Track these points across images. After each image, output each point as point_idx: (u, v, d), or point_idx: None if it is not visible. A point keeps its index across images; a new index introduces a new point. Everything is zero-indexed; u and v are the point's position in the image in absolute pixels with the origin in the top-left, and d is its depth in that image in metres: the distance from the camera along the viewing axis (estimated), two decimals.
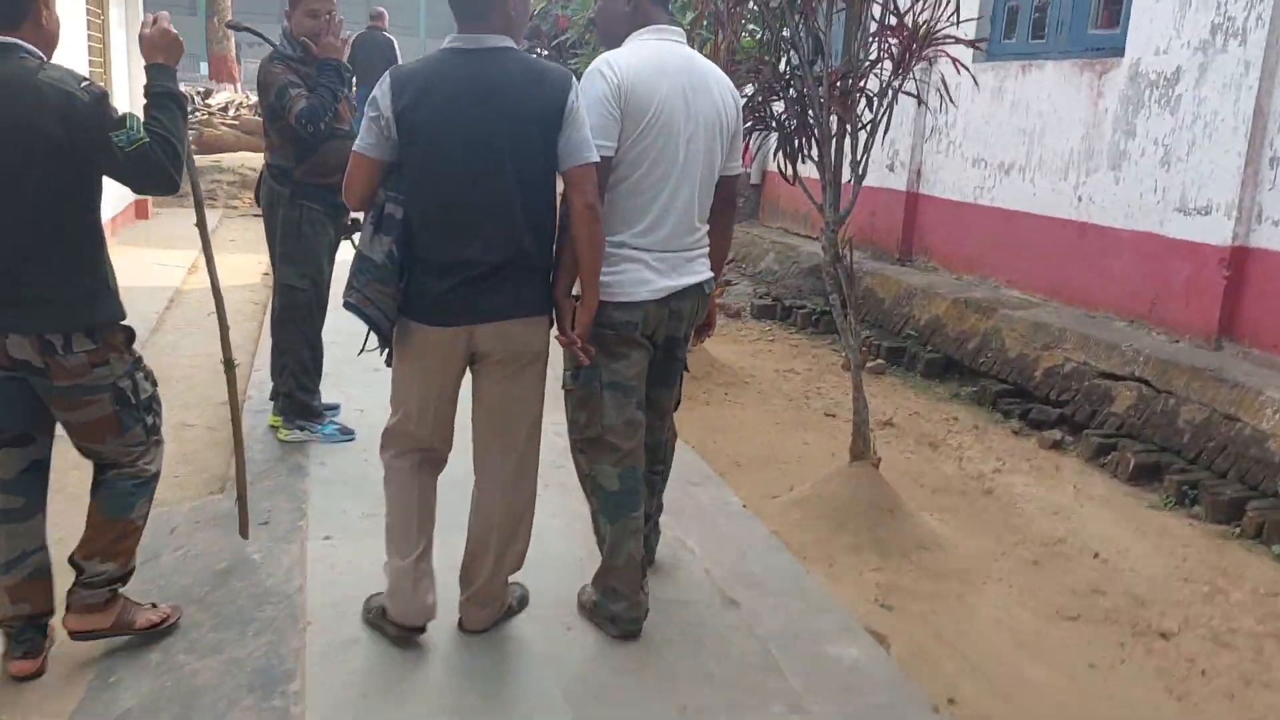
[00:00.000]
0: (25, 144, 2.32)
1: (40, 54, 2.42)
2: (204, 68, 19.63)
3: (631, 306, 2.75)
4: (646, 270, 2.76)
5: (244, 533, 3.25)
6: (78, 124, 2.33)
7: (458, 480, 2.83)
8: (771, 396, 5.92)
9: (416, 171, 2.52)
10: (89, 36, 8.69)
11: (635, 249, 2.76)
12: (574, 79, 2.58)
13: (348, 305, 2.55)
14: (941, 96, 4.32)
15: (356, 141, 2.57)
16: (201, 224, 2.95)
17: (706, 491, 4.05)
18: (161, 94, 2.50)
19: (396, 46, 12.96)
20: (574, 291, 2.69)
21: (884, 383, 6.44)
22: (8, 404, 2.50)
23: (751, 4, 4.28)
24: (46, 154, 2.34)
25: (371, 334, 2.58)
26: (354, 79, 4.26)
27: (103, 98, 2.39)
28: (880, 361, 6.79)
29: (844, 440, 4.22)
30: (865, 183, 3.96)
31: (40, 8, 2.42)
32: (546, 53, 6.57)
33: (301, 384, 4.28)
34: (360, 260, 2.55)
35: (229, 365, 3.09)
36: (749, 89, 4.30)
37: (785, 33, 3.88)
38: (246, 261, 8.26)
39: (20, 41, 2.39)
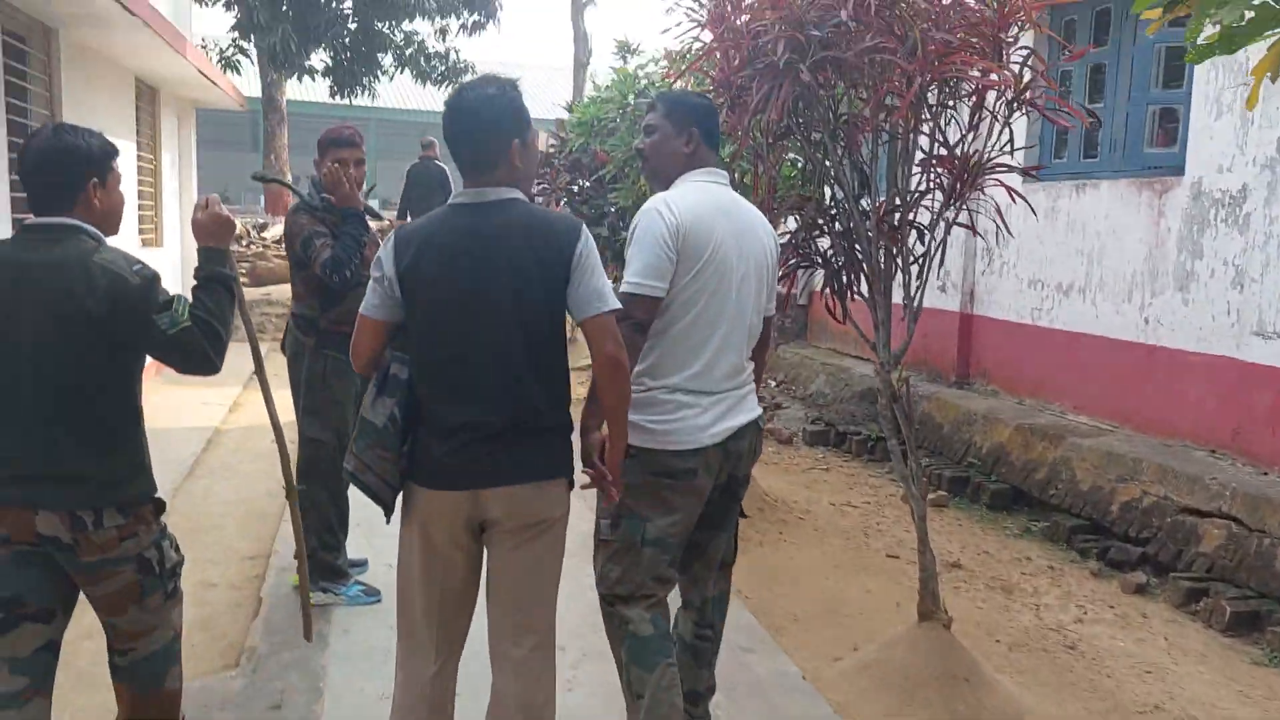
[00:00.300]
0: (68, 323, 2.34)
1: (99, 235, 2.48)
2: (261, 201, 20.23)
3: (691, 454, 2.65)
4: (703, 414, 2.68)
5: (308, 635, 3.02)
6: (124, 305, 2.36)
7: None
8: (829, 534, 5.58)
9: (418, 330, 2.42)
10: (139, 182, 8.86)
11: (690, 392, 2.67)
12: (583, 228, 2.45)
13: (345, 473, 2.45)
14: (996, 224, 4.11)
15: (362, 304, 2.48)
16: (259, 367, 2.88)
17: (762, 660, 3.71)
18: (210, 278, 2.53)
19: (450, 176, 13.18)
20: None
21: (948, 517, 6.06)
22: (34, 579, 2.39)
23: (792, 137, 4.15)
24: (89, 333, 2.35)
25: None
26: (408, 212, 4.18)
27: (153, 281, 2.42)
28: (942, 493, 6.42)
29: (909, 587, 3.88)
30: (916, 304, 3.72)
31: (90, 190, 2.46)
32: (587, 184, 6.51)
33: (325, 542, 4.07)
34: (362, 424, 2.44)
35: (290, 491, 2.92)
36: (790, 222, 4.13)
37: (827, 163, 3.71)
38: (288, 399, 8.17)
39: (79, 223, 2.44)
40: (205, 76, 9.14)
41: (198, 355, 2.42)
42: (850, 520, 5.92)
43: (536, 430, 2.40)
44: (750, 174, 4.69)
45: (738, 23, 3.61)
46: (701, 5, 3.84)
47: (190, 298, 2.48)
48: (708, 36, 3.79)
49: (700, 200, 2.70)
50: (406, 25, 15.79)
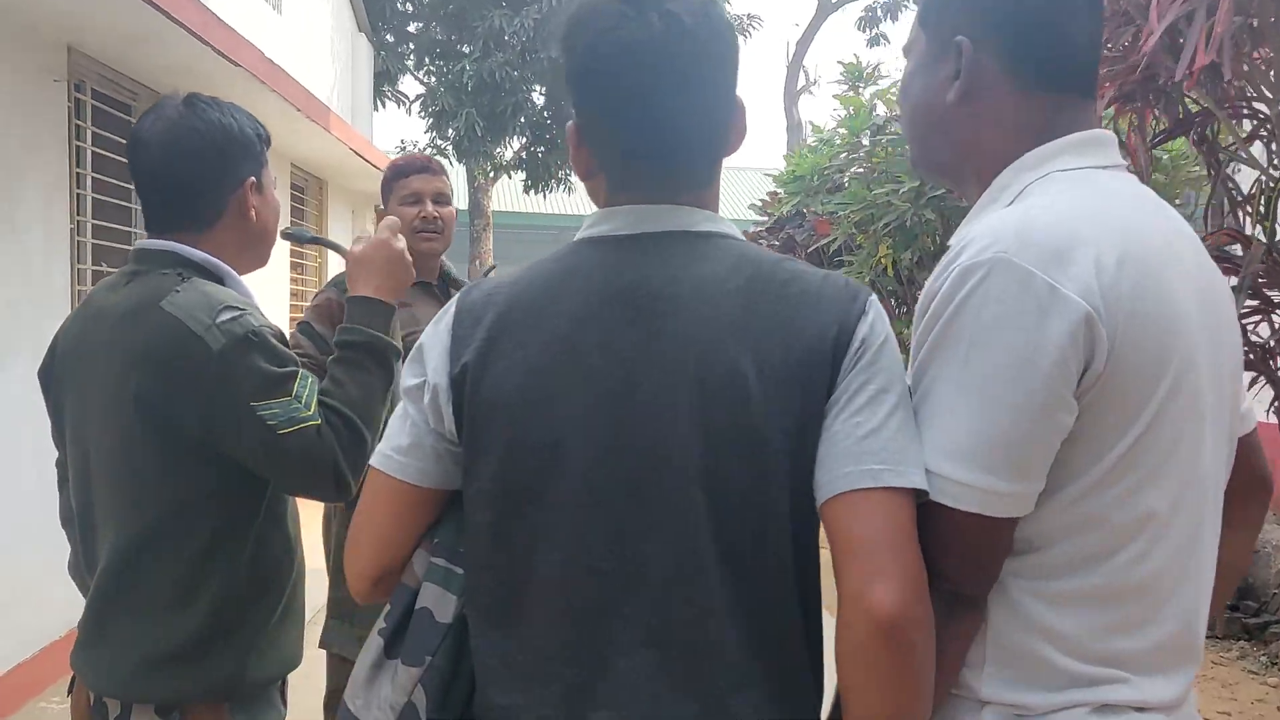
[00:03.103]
0: (117, 410, 1.50)
1: (203, 262, 1.60)
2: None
3: None
4: None
5: None
6: (191, 384, 1.47)
7: None
8: None
9: (489, 509, 1.08)
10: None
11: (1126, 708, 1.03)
12: (867, 292, 1.09)
13: None
14: None
15: (376, 451, 1.19)
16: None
17: None
18: (361, 347, 1.60)
19: None
20: None
21: None
22: None
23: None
24: (140, 426, 1.49)
25: None
26: None
27: (247, 343, 1.48)
28: None
29: None
30: None
31: (246, 193, 1.63)
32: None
33: None
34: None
35: None
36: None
37: None
38: None
39: (174, 247, 1.59)
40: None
41: (324, 472, 1.50)
42: None
43: None
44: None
45: None
46: None
47: (327, 378, 1.59)
48: None
49: (1126, 222, 1.03)
50: None
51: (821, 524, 1.02)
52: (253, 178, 1.64)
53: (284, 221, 7.07)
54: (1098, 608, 1.02)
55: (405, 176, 2.66)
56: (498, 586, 1.06)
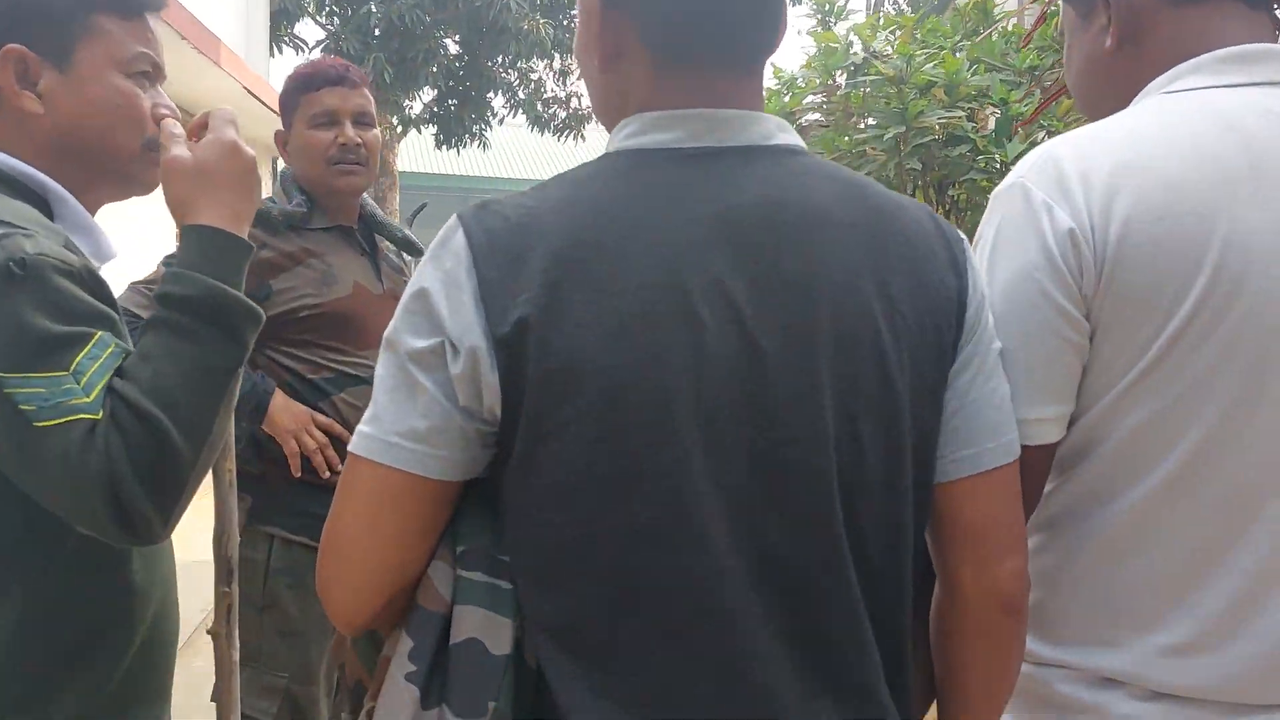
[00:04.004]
0: None
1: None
2: None
3: None
4: None
5: None
6: None
7: None
8: None
9: (569, 506, 0.86)
10: None
11: (1168, 700, 1.00)
12: (960, 235, 0.99)
13: None
14: None
15: (358, 435, 0.88)
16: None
17: None
18: (185, 302, 1.02)
19: None
20: None
21: None
22: None
23: None
24: None
25: None
26: None
27: (4, 277, 0.96)
28: None
29: None
30: None
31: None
32: None
33: None
34: None
35: None
36: None
37: None
38: None
39: None
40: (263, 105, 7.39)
41: (91, 494, 0.95)
42: None
43: None
44: None
45: None
46: None
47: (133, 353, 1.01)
48: None
49: (1188, 143, 1.00)
50: (521, 64, 14.05)
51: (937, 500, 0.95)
52: (23, 47, 1.09)
53: None
54: (1113, 566, 1.02)
55: (314, 90, 2.07)
56: (582, 604, 0.85)
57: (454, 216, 0.88)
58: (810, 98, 3.72)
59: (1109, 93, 1.13)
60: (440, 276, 0.85)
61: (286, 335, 2.04)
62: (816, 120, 4.06)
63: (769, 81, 4.51)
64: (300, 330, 2.03)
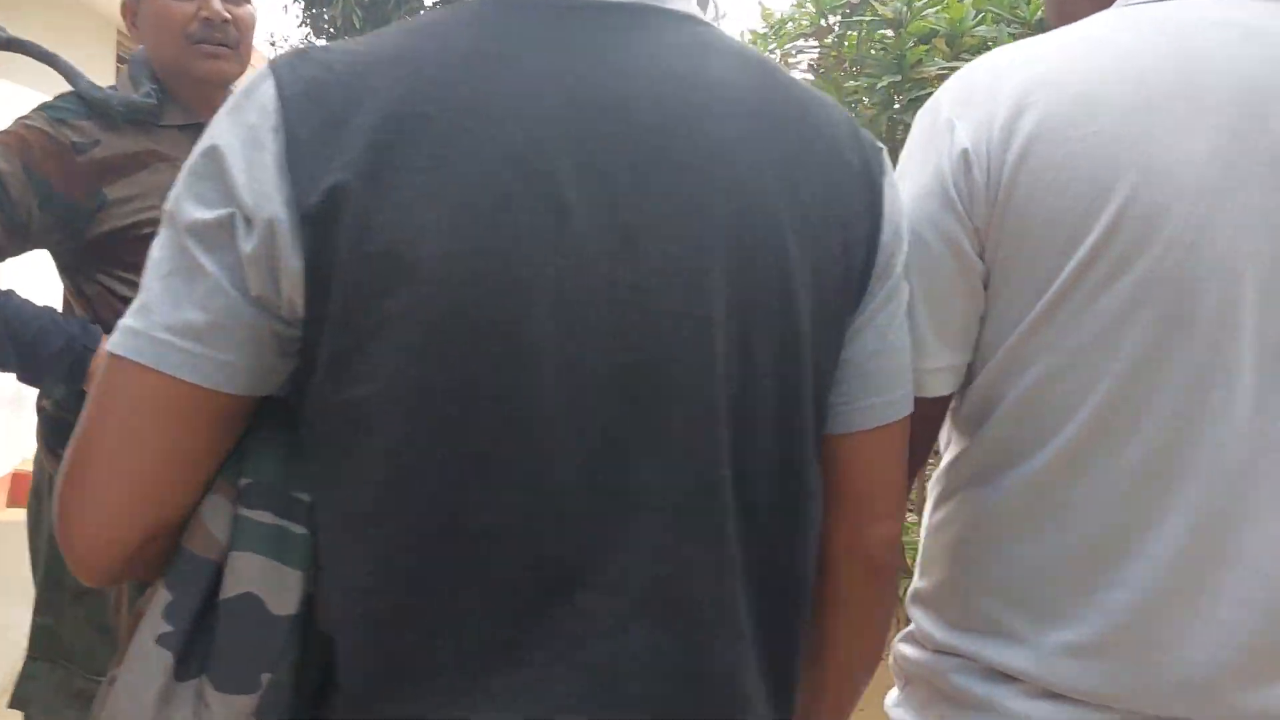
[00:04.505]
0: None
1: None
2: None
3: None
4: None
5: None
6: None
7: None
8: None
9: (387, 429, 0.67)
10: None
11: (1066, 702, 0.87)
12: (880, 146, 0.83)
13: None
14: None
15: (119, 330, 0.69)
16: None
17: None
18: None
19: None
20: None
21: None
22: None
23: None
24: None
25: None
26: None
27: None
28: None
29: None
30: None
31: None
32: None
33: None
34: None
35: None
36: None
37: None
38: None
39: None
40: None
41: None
42: None
43: None
44: None
45: None
46: None
47: None
48: None
49: (1106, 54, 0.85)
50: None
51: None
52: None
53: None
54: (1010, 539, 0.91)
55: None
56: (393, 556, 0.68)
57: (265, 63, 0.69)
58: (799, 41, 3.43)
59: (1079, 12, 0.95)
60: (239, 133, 0.67)
61: (124, 257, 1.63)
62: (806, 76, 3.81)
63: (755, 25, 4.22)
64: (141, 251, 1.66)
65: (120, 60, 6.14)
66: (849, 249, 0.77)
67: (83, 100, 1.64)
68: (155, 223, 1.77)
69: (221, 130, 0.68)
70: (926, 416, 0.90)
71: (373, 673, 0.68)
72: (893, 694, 1.03)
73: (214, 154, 0.67)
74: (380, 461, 0.67)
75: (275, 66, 0.69)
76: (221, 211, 0.66)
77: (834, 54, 3.37)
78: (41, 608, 1.74)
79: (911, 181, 0.89)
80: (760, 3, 6.51)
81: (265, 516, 0.69)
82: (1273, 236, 0.80)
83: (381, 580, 0.68)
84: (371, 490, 0.68)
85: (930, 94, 0.93)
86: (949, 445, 0.99)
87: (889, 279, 0.80)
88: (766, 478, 0.74)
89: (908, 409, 0.84)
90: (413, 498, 0.67)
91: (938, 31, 3.04)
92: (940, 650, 0.95)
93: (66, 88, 1.70)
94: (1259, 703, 0.82)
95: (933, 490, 0.99)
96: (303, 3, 12.38)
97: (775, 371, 0.73)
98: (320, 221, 0.64)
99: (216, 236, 0.66)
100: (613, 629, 0.69)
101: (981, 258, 0.87)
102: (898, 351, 0.82)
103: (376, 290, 0.65)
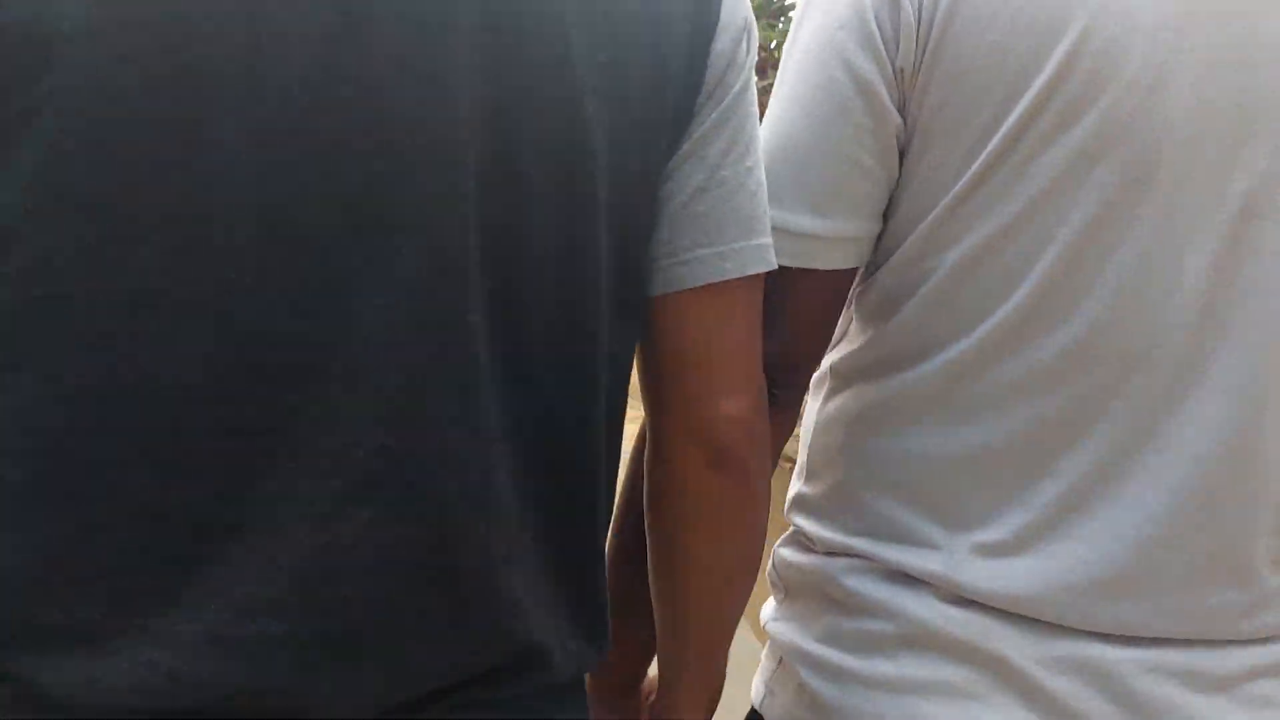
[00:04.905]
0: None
1: None
2: None
3: None
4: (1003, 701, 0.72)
5: None
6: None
7: None
8: None
9: (19, 259, 0.51)
10: None
11: (976, 609, 0.74)
12: None
13: None
14: None
15: None
16: None
17: None
18: None
19: None
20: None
21: None
22: None
23: None
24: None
25: None
26: None
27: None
28: None
29: None
30: None
31: None
32: None
33: None
34: None
35: None
36: None
37: None
38: None
39: None
40: None
41: None
42: None
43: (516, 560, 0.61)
44: None
45: None
46: None
47: None
48: None
49: None
50: None
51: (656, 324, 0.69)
52: None
53: None
54: (927, 431, 0.77)
55: None
56: (18, 415, 0.52)
57: None
58: None
59: None
60: None
61: None
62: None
63: None
64: None
65: None
66: (664, 55, 0.62)
67: None
68: None
69: None
70: (827, 293, 0.78)
71: (30, 579, 0.51)
72: (769, 606, 0.88)
73: None
74: (9, 296, 0.51)
75: None
76: None
77: None
78: None
79: (818, 8, 0.74)
80: None
81: None
82: (1239, 79, 0.67)
83: (8, 439, 0.51)
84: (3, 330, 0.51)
85: None
86: (843, 336, 0.84)
87: (724, 99, 0.65)
88: (543, 337, 0.60)
89: (757, 266, 0.67)
90: (41, 350, 0.51)
91: None
92: (832, 552, 0.81)
93: None
94: (1173, 605, 0.72)
95: (818, 385, 0.86)
96: None
97: (554, 201, 0.58)
98: None
99: None
100: (326, 516, 0.54)
101: (901, 111, 0.73)
102: (735, 192, 0.66)
103: (6, 81, 0.49)
